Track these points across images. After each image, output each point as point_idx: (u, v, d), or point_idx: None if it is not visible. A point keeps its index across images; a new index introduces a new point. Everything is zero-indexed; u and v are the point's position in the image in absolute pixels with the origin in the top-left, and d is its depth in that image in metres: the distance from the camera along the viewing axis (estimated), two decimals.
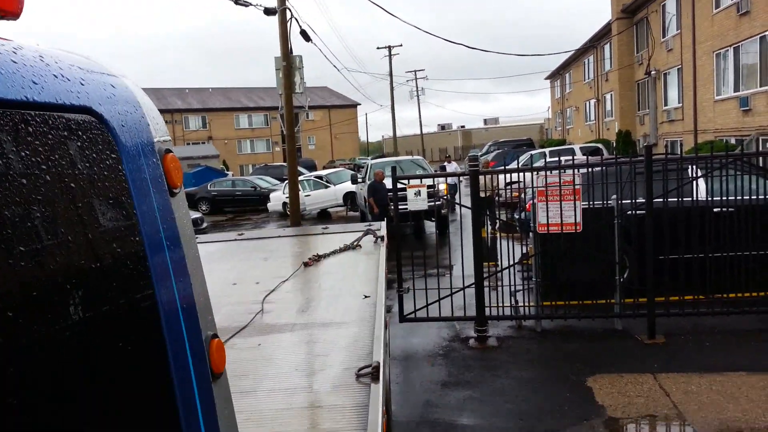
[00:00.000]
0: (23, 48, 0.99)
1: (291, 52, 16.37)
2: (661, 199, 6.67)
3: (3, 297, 0.76)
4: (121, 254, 1.03)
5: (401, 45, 50.17)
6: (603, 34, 34.00)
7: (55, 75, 0.98)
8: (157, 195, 1.21)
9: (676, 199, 6.78)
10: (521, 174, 7.63)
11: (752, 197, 6.70)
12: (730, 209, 6.75)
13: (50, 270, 0.86)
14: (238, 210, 27.07)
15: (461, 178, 7.88)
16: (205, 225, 18.03)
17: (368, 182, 15.88)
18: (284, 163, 29.11)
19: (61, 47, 1.22)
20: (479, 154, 30.99)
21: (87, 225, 0.96)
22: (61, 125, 0.94)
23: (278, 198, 22.68)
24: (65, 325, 0.88)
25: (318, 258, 5.01)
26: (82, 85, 1.05)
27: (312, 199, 21.67)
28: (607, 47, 34.02)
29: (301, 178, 20.95)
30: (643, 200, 6.68)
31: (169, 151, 1.33)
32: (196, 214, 17.94)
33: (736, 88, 20.13)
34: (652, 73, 27.14)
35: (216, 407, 1.25)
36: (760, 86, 18.38)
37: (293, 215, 16.24)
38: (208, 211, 26.45)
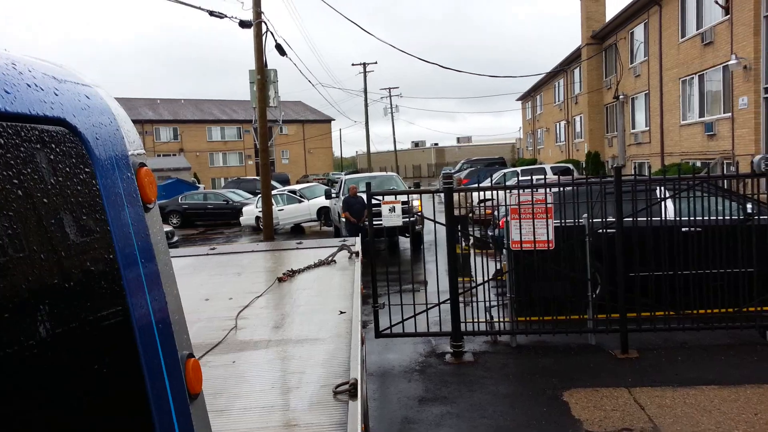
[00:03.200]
0: None
1: (266, 66, 16.34)
2: (631, 218, 6.80)
3: None
4: (93, 270, 0.99)
5: (376, 62, 50.78)
6: (573, 59, 34.81)
7: (28, 84, 0.94)
8: (131, 209, 1.17)
9: (645, 219, 6.91)
10: (494, 192, 7.70)
11: (718, 218, 6.88)
12: (697, 229, 6.91)
13: (21, 285, 0.82)
14: (210, 224, 26.69)
15: (435, 195, 7.94)
16: (176, 239, 17.72)
17: (342, 197, 15.84)
18: (257, 177, 28.92)
19: (25, 54, 1.17)
20: (453, 171, 31.25)
21: (59, 240, 0.92)
22: (34, 137, 0.90)
23: (251, 212, 22.47)
24: (35, 344, 0.84)
25: (292, 273, 4.95)
26: (56, 95, 1.02)
27: (285, 213, 21.52)
28: (577, 71, 34.81)
29: (274, 192, 20.80)
30: (613, 219, 6.80)
31: (143, 164, 1.29)
32: (167, 228, 17.63)
33: (701, 114, 20.76)
34: (621, 97, 27.84)
35: (194, 429, 1.20)
36: (724, 112, 19.00)
37: (266, 230, 16.09)
38: (178, 224, 26.02)
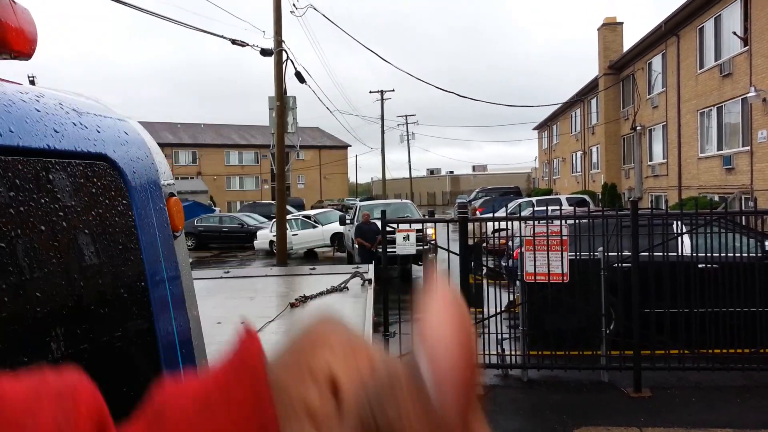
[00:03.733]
0: (44, 95, 1.02)
1: (285, 93, 16.65)
2: (647, 253, 6.76)
3: (26, 329, 0.78)
4: (126, 296, 1.04)
5: (393, 90, 51.25)
6: (590, 89, 34.94)
7: (74, 123, 1.01)
8: (162, 238, 1.23)
9: (661, 254, 6.87)
10: (509, 222, 7.72)
11: (736, 255, 6.82)
12: (714, 266, 6.85)
13: (59, 313, 0.87)
14: (224, 246, 26.88)
15: (449, 224, 7.98)
16: (190, 260, 17.86)
17: (356, 223, 15.93)
18: (272, 201, 29.15)
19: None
20: (468, 200, 31.28)
21: (96, 268, 0.98)
22: (79, 172, 0.96)
23: (265, 236, 22.61)
24: (70, 359, 0.89)
25: (305, 299, 4.97)
26: (98, 132, 1.09)
27: (299, 238, 21.63)
28: (593, 101, 34.91)
29: (289, 216, 20.96)
30: (629, 253, 6.77)
31: (173, 194, 1.36)
32: None
33: (719, 147, 20.66)
34: (638, 128, 27.84)
35: None
36: (742, 146, 18.90)
37: (280, 254, 16.18)
38: (193, 246, 26.25)
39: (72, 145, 0.97)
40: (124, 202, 1.08)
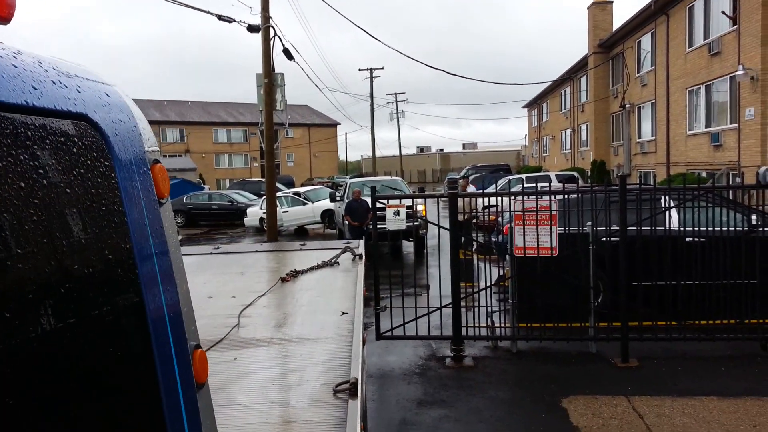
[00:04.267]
0: (22, 53, 0.99)
1: (273, 70, 16.44)
2: (635, 227, 6.81)
3: (4, 300, 0.76)
4: (111, 261, 1.03)
5: (383, 68, 50.73)
6: (579, 67, 34.84)
7: (53, 81, 0.99)
8: (147, 204, 1.21)
9: (649, 228, 6.93)
10: (499, 198, 7.73)
11: (722, 229, 6.89)
12: (701, 239, 6.92)
13: (42, 273, 0.86)
14: (214, 224, 26.79)
15: (440, 200, 7.97)
16: (180, 237, 17.78)
17: (346, 201, 15.90)
18: (262, 179, 29.01)
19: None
20: (458, 177, 31.25)
21: (79, 230, 0.96)
22: (59, 131, 0.94)
23: (255, 213, 22.54)
24: (54, 331, 0.88)
25: (296, 273, 4.99)
26: (79, 92, 1.06)
27: (290, 215, 21.59)
28: (583, 80, 34.84)
29: (279, 194, 20.87)
30: (617, 228, 6.82)
31: (157, 161, 1.34)
32: None
33: (708, 124, 20.75)
34: (627, 106, 27.85)
35: (200, 417, 1.24)
36: (730, 123, 18.99)
37: (270, 231, 16.15)
38: (183, 224, 26.12)
39: (51, 104, 0.94)
40: (107, 163, 1.07)
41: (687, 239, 6.97)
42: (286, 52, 16.93)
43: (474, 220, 8.83)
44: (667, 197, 7.48)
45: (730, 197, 8.12)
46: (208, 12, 14.28)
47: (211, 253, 6.36)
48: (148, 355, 1.09)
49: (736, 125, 18.38)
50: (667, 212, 7.13)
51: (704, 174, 19.92)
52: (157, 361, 1.11)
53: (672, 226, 7.22)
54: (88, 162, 1.01)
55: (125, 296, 1.07)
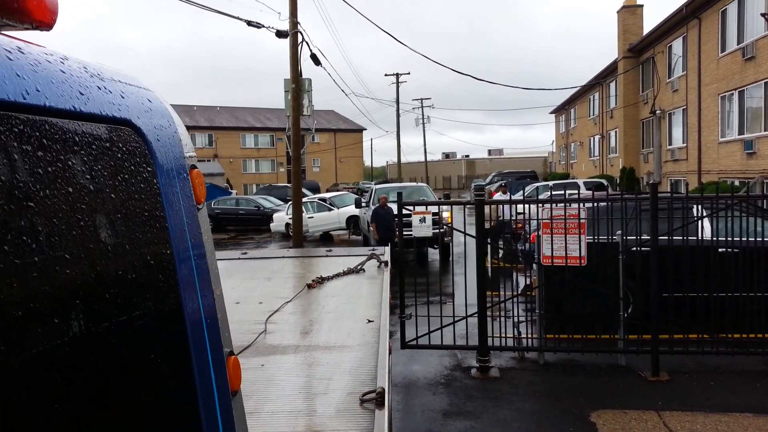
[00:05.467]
0: (69, 58, 1.00)
1: (300, 75, 16.58)
2: (666, 237, 6.67)
3: (42, 302, 0.77)
4: (153, 266, 1.03)
5: (409, 73, 50.91)
6: (609, 72, 34.41)
7: (98, 87, 1.00)
8: (186, 209, 1.22)
9: (680, 238, 6.78)
10: (526, 205, 7.65)
11: (756, 239, 6.70)
12: (734, 250, 6.74)
13: (87, 277, 0.87)
14: (241, 229, 27.07)
15: (465, 207, 7.93)
16: None
17: (372, 207, 15.90)
18: (288, 184, 29.23)
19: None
20: (484, 183, 31.12)
21: (123, 235, 0.97)
22: (104, 136, 0.95)
23: (281, 219, 22.70)
24: (96, 335, 0.88)
25: (321, 280, 4.99)
26: (123, 98, 1.07)
27: (315, 221, 21.69)
28: (612, 85, 34.39)
29: (304, 199, 21.00)
30: (648, 237, 6.68)
31: (194, 166, 1.34)
32: None
33: (741, 131, 20.28)
34: (657, 112, 27.39)
35: (235, 424, 1.24)
36: (764, 130, 18.53)
37: (296, 236, 16.25)
38: (211, 228, 26.42)
39: (97, 109, 0.95)
40: (149, 169, 1.07)
41: (720, 249, 6.80)
42: (314, 58, 17.08)
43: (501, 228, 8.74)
44: (700, 206, 7.31)
45: (765, 206, 7.90)
46: (238, 18, 14.50)
47: (239, 258, 6.41)
48: (186, 361, 1.09)
49: None
50: (700, 221, 6.97)
51: (737, 182, 19.45)
52: (195, 366, 1.11)
53: (704, 236, 7.05)
54: (132, 168, 1.02)
55: (166, 301, 1.08)
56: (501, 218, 7.93)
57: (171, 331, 1.07)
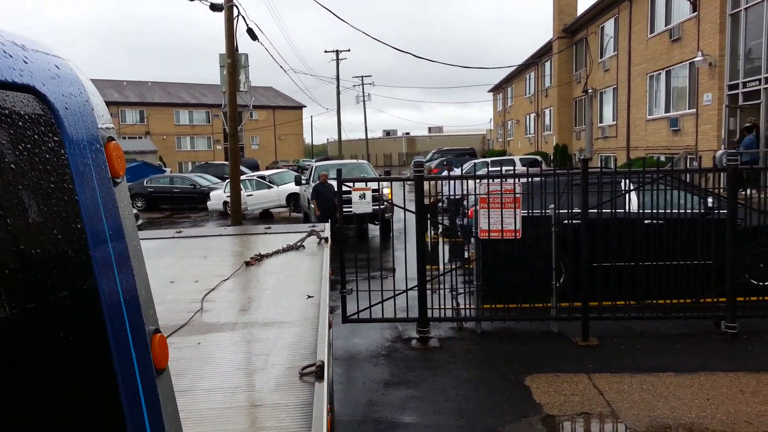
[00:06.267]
0: None
1: (237, 50, 16.09)
2: (596, 210, 6.95)
3: None
4: (62, 243, 0.98)
5: (349, 50, 50.39)
6: (544, 52, 35.18)
7: None
8: (100, 183, 1.16)
9: (609, 211, 7.08)
10: (464, 181, 7.78)
11: (679, 211, 7.09)
12: (659, 221, 7.11)
13: None
14: (176, 208, 26.28)
15: (405, 183, 7.98)
16: (140, 222, 17.42)
17: (312, 184, 15.77)
18: (226, 162, 28.52)
19: None
20: (424, 160, 31.36)
21: (26, 211, 0.91)
22: (2, 103, 0.88)
23: (219, 197, 22.18)
24: (2, 318, 0.83)
25: (260, 257, 4.92)
26: (26, 63, 1.00)
27: (254, 199, 21.31)
28: (547, 65, 35.21)
29: (243, 177, 20.56)
30: (579, 210, 6.94)
31: (111, 138, 1.27)
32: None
33: (667, 109, 21.25)
34: (589, 91, 28.29)
35: (160, 403, 1.20)
36: (689, 108, 19.49)
37: (234, 214, 15.93)
38: (143, 207, 25.55)
39: None
40: (56, 138, 1.01)
41: (646, 221, 7.16)
42: (250, 32, 16.59)
43: (439, 203, 8.86)
44: (627, 180, 7.65)
45: (688, 180, 8.35)
46: None
47: (173, 237, 6.22)
48: (102, 341, 1.05)
49: (695, 110, 18.87)
50: (627, 195, 7.30)
51: (663, 158, 20.44)
52: (112, 346, 1.07)
53: (631, 208, 7.39)
54: (35, 137, 0.95)
55: (78, 280, 1.02)
56: (450, 196, 8.00)
57: (85, 312, 1.02)
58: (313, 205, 14.77)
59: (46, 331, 0.94)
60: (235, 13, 15.63)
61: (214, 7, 15.49)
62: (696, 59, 18.01)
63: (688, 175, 8.39)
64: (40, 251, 0.94)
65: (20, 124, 0.92)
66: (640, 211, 7.23)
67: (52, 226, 0.97)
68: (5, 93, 0.91)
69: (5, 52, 0.96)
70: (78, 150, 1.07)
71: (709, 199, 7.52)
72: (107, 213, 1.15)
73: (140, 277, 1.26)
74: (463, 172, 17.70)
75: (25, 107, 0.95)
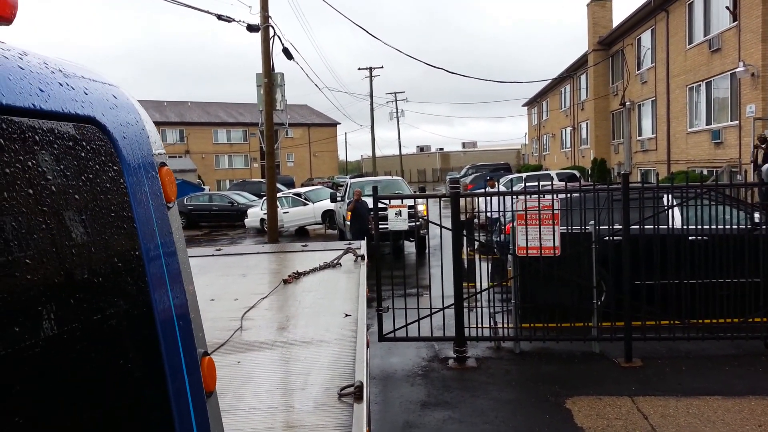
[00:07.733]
0: (28, 54, 0.97)
1: (273, 69, 16.42)
2: (638, 226, 6.79)
3: (9, 304, 0.74)
4: (121, 267, 1.00)
5: (382, 67, 50.78)
6: (579, 65, 34.82)
7: (60, 83, 0.96)
8: (155, 208, 1.19)
9: (652, 227, 6.90)
10: (500, 197, 7.71)
11: (725, 227, 6.86)
12: (704, 237, 6.90)
13: (51, 279, 0.84)
14: (215, 225, 26.77)
15: (441, 199, 7.96)
16: None
17: (347, 201, 15.86)
18: (262, 180, 28.98)
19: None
20: (459, 176, 31.29)
21: (88, 236, 0.94)
22: (66, 135, 0.92)
23: (256, 214, 22.51)
24: (62, 336, 0.85)
25: (298, 275, 4.96)
26: (86, 94, 1.04)
27: (290, 216, 21.55)
28: (583, 77, 34.81)
29: (279, 194, 20.84)
30: (620, 226, 6.79)
31: (164, 164, 1.31)
32: None
33: (708, 122, 20.72)
34: (627, 104, 27.82)
35: (210, 426, 1.22)
36: (731, 120, 18.96)
37: (271, 232, 16.13)
38: (183, 225, 26.00)
39: (59, 106, 0.92)
40: (115, 168, 1.04)
41: (690, 238, 6.95)
42: (286, 52, 16.91)
43: (476, 220, 8.79)
44: (670, 195, 7.46)
45: (733, 195, 8.09)
46: (208, 12, 14.26)
47: (212, 255, 6.33)
48: (157, 363, 1.07)
49: (737, 122, 18.35)
50: (670, 211, 7.11)
51: (705, 171, 19.89)
52: (166, 368, 1.08)
53: (675, 224, 7.19)
54: (97, 167, 0.99)
55: (135, 302, 1.05)
56: (489, 213, 7.93)
57: (141, 333, 1.05)
58: (348, 222, 14.84)
59: (103, 350, 0.97)
60: (271, 33, 15.98)
61: (251, 28, 15.86)
62: (737, 70, 17.54)
63: (733, 189, 8.14)
64: (100, 274, 0.96)
65: (83, 154, 0.96)
66: (684, 227, 7.03)
67: (112, 251, 1.00)
68: (69, 125, 0.94)
69: (68, 84, 1.00)
70: (135, 177, 1.11)
71: (756, 215, 7.26)
72: (162, 237, 1.18)
73: (192, 299, 1.28)
74: (499, 187, 17.51)
75: (86, 137, 0.99)
